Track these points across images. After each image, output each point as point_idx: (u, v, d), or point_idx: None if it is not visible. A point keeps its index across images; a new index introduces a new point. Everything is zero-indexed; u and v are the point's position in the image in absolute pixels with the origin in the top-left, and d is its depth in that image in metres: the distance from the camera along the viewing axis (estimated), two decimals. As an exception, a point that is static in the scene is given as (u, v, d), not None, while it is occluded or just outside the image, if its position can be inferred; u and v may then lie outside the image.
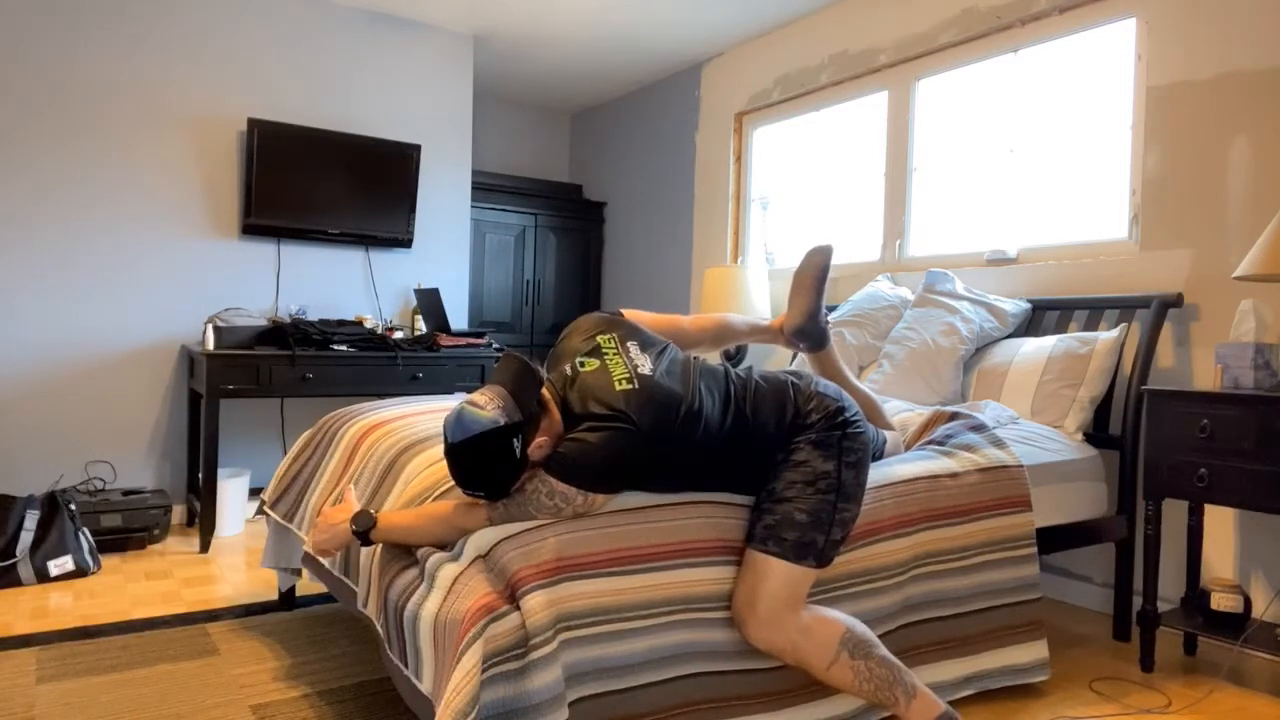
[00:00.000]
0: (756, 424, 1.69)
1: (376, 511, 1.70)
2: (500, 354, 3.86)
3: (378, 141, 4.03)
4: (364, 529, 1.66)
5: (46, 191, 3.44)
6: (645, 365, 1.65)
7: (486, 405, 1.48)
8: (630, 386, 1.59)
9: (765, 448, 1.70)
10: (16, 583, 2.81)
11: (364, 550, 1.80)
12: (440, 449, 1.91)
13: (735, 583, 1.65)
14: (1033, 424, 2.51)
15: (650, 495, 1.67)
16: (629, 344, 1.71)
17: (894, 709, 1.67)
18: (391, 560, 1.69)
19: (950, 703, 2.00)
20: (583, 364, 1.66)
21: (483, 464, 1.48)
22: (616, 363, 1.65)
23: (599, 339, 1.72)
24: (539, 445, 1.55)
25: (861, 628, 1.69)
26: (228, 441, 3.90)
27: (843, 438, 1.71)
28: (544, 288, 5.27)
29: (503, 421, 1.47)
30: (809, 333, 2.02)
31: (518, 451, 1.49)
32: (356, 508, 1.73)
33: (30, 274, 3.42)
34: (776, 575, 1.61)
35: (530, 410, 1.52)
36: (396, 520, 1.65)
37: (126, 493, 3.40)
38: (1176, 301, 2.60)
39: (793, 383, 1.77)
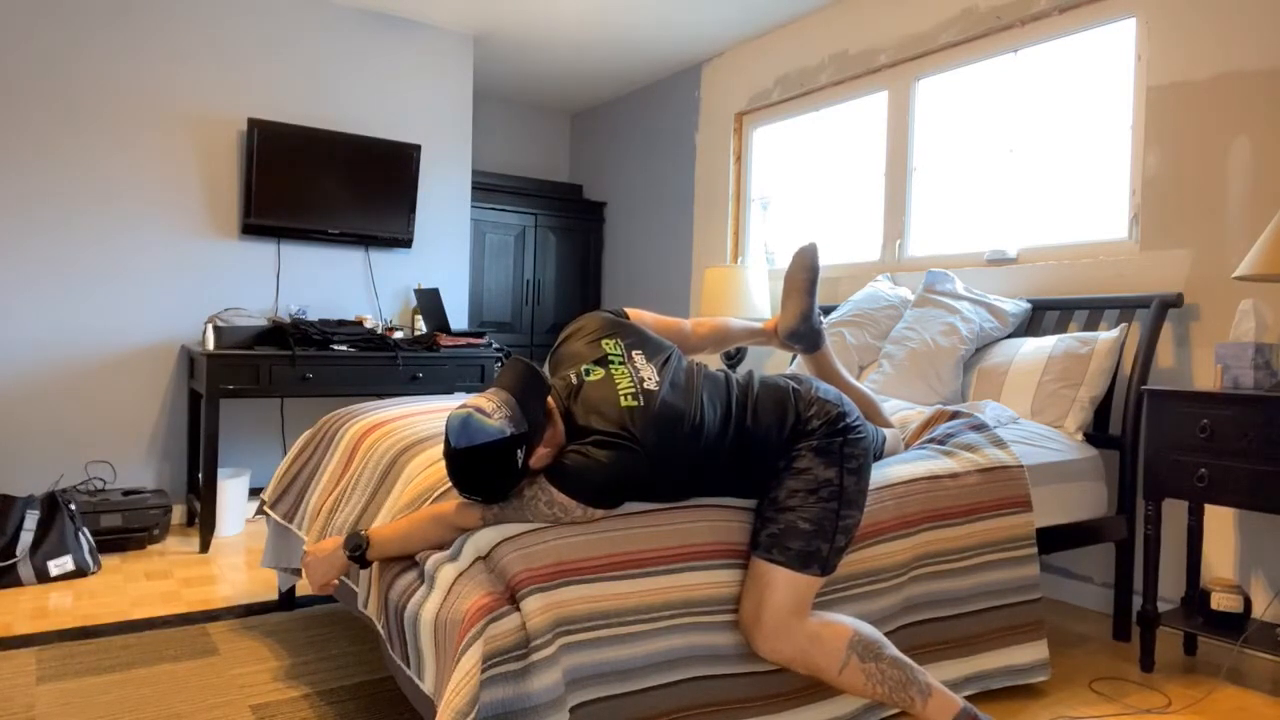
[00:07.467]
0: (758, 433, 1.69)
1: (365, 529, 1.69)
2: (506, 356, 3.86)
3: (378, 141, 4.03)
4: (358, 549, 1.65)
5: (46, 191, 3.44)
6: (651, 379, 1.63)
7: (493, 414, 1.46)
8: (635, 404, 1.57)
9: (767, 456, 1.70)
10: (16, 583, 2.81)
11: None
12: (440, 449, 1.90)
13: (741, 595, 1.65)
14: (1033, 424, 2.51)
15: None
16: (635, 353, 1.69)
17: (910, 709, 1.67)
18: (391, 561, 1.69)
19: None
20: (588, 372, 1.64)
21: (484, 471, 1.47)
22: (622, 374, 1.63)
23: (605, 345, 1.70)
24: (541, 456, 1.55)
25: (869, 629, 1.69)
26: (228, 441, 3.90)
27: (844, 444, 1.70)
28: (544, 288, 5.27)
29: (509, 432, 1.45)
30: (803, 335, 2.02)
31: (520, 462, 1.48)
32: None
33: (30, 274, 3.42)
34: (782, 585, 1.61)
35: (536, 421, 1.50)
36: (389, 533, 1.64)
37: (126, 493, 3.40)
38: (1176, 301, 2.60)
39: (793, 388, 1.76)
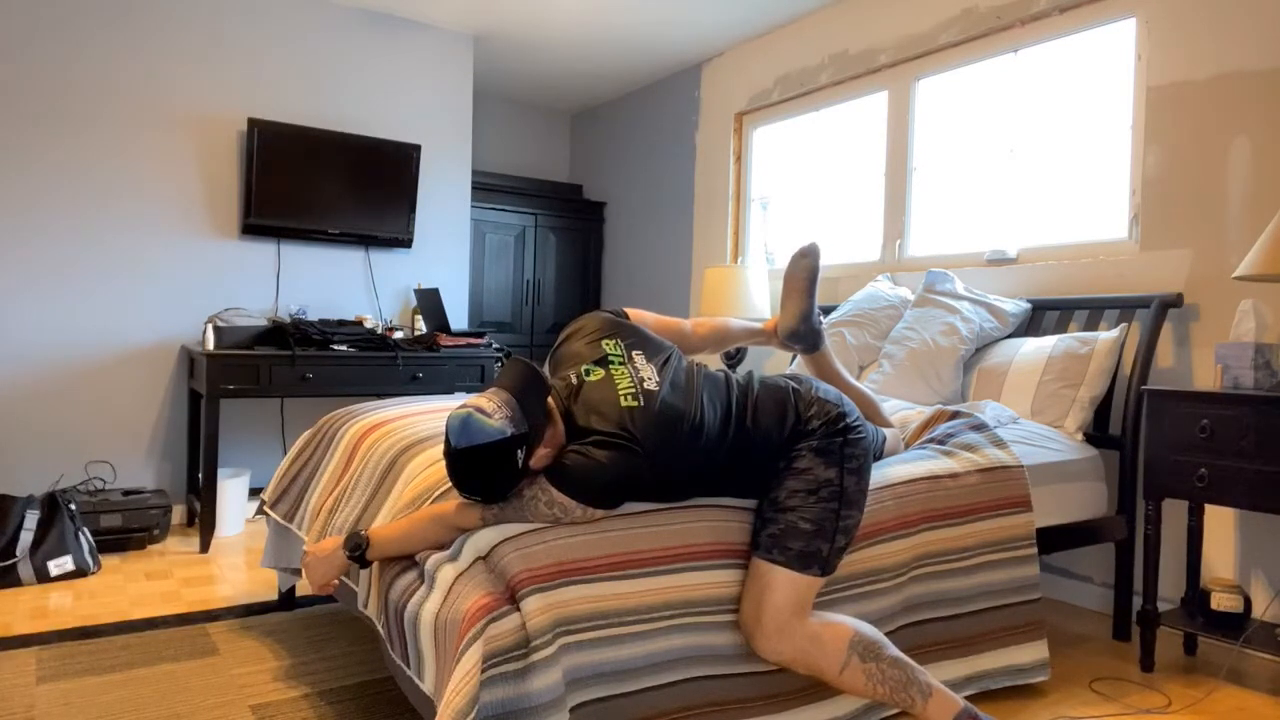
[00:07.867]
0: (758, 434, 1.69)
1: (365, 529, 1.69)
2: (506, 356, 3.86)
3: (378, 141, 4.03)
4: (358, 549, 1.65)
5: (47, 192, 3.44)
6: (651, 379, 1.63)
7: (494, 414, 1.46)
8: (635, 404, 1.57)
9: (767, 456, 1.70)
10: (16, 583, 2.81)
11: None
12: (440, 449, 1.90)
13: (741, 595, 1.65)
14: (1033, 424, 2.51)
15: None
16: (635, 353, 1.69)
17: (910, 710, 1.67)
18: (391, 561, 1.69)
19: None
20: (588, 373, 1.64)
21: (484, 471, 1.47)
22: (622, 374, 1.63)
23: (605, 345, 1.70)
24: (541, 456, 1.55)
25: (869, 629, 1.69)
26: (228, 441, 3.90)
27: (844, 444, 1.70)
28: (544, 288, 5.27)
29: (509, 432, 1.45)
30: (802, 335, 2.02)
31: (520, 462, 1.48)
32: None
33: (30, 274, 3.42)
34: (782, 585, 1.61)
35: (536, 421, 1.50)
36: (389, 533, 1.64)
37: (126, 493, 3.40)
38: (1176, 301, 2.60)
39: (793, 389, 1.76)
